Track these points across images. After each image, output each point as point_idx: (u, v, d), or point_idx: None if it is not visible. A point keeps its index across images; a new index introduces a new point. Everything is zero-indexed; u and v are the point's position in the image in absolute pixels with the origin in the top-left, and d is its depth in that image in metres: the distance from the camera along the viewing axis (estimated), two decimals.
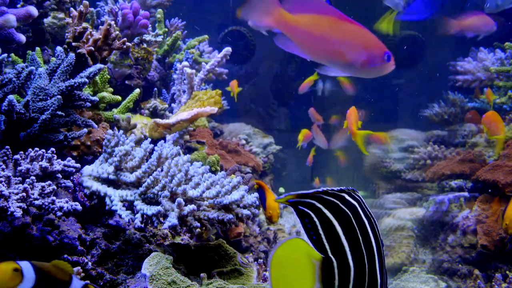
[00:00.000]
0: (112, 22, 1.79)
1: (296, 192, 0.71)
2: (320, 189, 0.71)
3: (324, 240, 0.71)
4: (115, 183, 1.36)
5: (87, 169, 1.39)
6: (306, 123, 4.28)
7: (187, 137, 2.22)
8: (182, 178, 1.28)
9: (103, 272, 1.22)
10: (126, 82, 2.26)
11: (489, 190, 2.31)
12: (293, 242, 0.70)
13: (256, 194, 1.34)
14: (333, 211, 0.72)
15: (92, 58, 1.73)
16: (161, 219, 1.26)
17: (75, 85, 1.44)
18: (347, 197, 0.74)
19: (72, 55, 1.50)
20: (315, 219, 0.71)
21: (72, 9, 1.81)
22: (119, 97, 1.89)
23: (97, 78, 1.84)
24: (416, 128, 3.55)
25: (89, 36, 1.73)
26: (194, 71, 2.09)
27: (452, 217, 2.45)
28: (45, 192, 1.13)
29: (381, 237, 0.76)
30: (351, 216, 0.72)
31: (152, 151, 1.38)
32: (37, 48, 1.75)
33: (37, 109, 1.39)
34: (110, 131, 1.39)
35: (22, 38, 1.65)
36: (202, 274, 1.19)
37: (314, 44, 1.19)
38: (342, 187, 0.74)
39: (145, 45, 2.45)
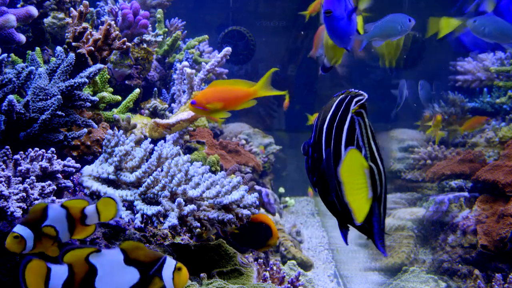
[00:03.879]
0: (112, 22, 1.79)
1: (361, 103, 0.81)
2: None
3: (366, 148, 0.80)
4: (115, 183, 1.36)
5: (87, 169, 1.39)
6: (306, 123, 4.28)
7: (187, 137, 2.22)
8: (182, 178, 1.28)
9: None
10: (126, 82, 2.26)
11: (489, 190, 2.31)
12: (353, 154, 0.77)
13: (256, 194, 1.35)
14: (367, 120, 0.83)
15: (92, 58, 1.73)
16: (161, 219, 1.26)
17: (75, 85, 1.44)
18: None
19: (72, 55, 1.50)
20: (358, 129, 0.81)
21: (72, 9, 1.81)
22: (119, 97, 1.89)
23: (97, 78, 1.84)
24: (416, 128, 3.55)
25: (89, 36, 1.73)
26: (194, 71, 2.09)
27: (452, 217, 2.45)
28: (45, 192, 1.13)
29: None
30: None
31: (152, 151, 1.38)
32: (37, 48, 1.75)
33: (37, 109, 1.39)
34: (110, 131, 1.39)
35: (22, 38, 1.65)
36: (202, 274, 1.19)
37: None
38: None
39: (145, 45, 2.45)
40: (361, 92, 0.85)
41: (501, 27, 1.93)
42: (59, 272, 0.77)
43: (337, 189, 0.82)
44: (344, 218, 0.86)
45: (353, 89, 0.87)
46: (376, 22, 1.84)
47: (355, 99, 0.84)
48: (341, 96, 0.87)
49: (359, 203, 0.77)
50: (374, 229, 0.79)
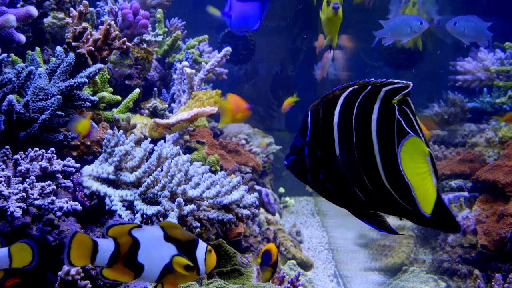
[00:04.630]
0: (112, 22, 1.79)
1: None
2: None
3: (420, 135, 0.80)
4: (115, 183, 1.36)
5: (87, 169, 1.39)
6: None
7: (187, 137, 2.22)
8: (182, 178, 1.28)
9: None
10: (126, 82, 2.25)
11: (489, 190, 2.31)
12: (415, 141, 0.77)
13: (256, 194, 1.34)
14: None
15: (92, 58, 1.72)
16: (161, 219, 1.26)
17: (75, 85, 1.44)
18: None
19: (72, 55, 1.49)
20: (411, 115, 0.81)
21: (72, 9, 1.81)
22: (119, 97, 1.89)
23: (97, 78, 1.84)
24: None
25: (89, 36, 1.73)
26: (194, 71, 2.09)
27: None
28: (45, 192, 1.13)
29: None
30: None
31: (152, 151, 1.38)
32: (37, 48, 1.75)
33: (36, 109, 1.39)
34: (110, 131, 1.39)
35: (22, 38, 1.65)
36: None
37: None
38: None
39: (145, 45, 2.45)
40: (393, 80, 0.81)
41: (477, 26, 1.96)
42: (106, 245, 0.81)
43: (364, 179, 0.81)
44: (369, 206, 0.85)
45: (373, 79, 0.83)
46: (389, 21, 1.87)
47: (386, 88, 0.80)
48: (351, 88, 0.83)
49: (426, 191, 0.76)
50: (451, 212, 0.78)
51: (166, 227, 0.83)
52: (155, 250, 0.81)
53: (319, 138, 0.87)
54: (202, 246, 0.84)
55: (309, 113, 0.89)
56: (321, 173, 0.87)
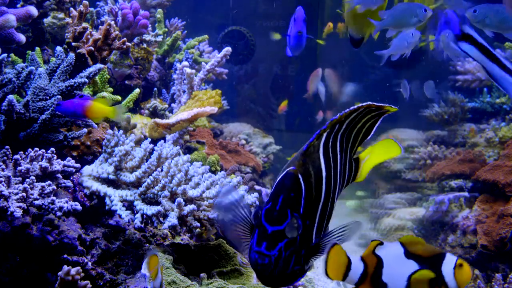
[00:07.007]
0: (112, 22, 1.79)
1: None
2: None
3: None
4: (115, 183, 1.36)
5: (87, 169, 1.39)
6: (306, 123, 4.26)
7: (187, 137, 2.22)
8: (182, 178, 1.28)
9: (103, 272, 1.22)
10: (126, 82, 2.25)
11: (489, 190, 2.31)
12: None
13: (256, 194, 1.35)
14: None
15: (92, 58, 1.72)
16: (161, 219, 1.26)
17: (75, 85, 1.44)
18: None
19: (72, 55, 1.49)
20: None
21: (72, 9, 1.81)
22: (119, 97, 1.89)
23: (97, 78, 1.84)
24: (416, 128, 3.54)
25: (89, 36, 1.73)
26: (194, 71, 2.09)
27: (452, 217, 2.45)
28: (45, 192, 1.13)
29: None
30: None
31: (152, 151, 1.38)
32: (37, 48, 1.75)
33: (37, 109, 1.39)
34: (110, 131, 1.39)
35: (22, 38, 1.65)
36: (202, 274, 1.19)
37: None
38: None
39: (145, 45, 2.45)
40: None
41: (503, 16, 1.89)
42: (358, 264, 0.79)
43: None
44: None
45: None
46: (389, 10, 1.81)
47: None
48: (325, 133, 0.76)
49: None
50: None
51: (406, 243, 0.80)
52: (396, 268, 0.79)
53: (313, 204, 0.72)
54: (449, 260, 0.78)
55: (299, 176, 0.70)
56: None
